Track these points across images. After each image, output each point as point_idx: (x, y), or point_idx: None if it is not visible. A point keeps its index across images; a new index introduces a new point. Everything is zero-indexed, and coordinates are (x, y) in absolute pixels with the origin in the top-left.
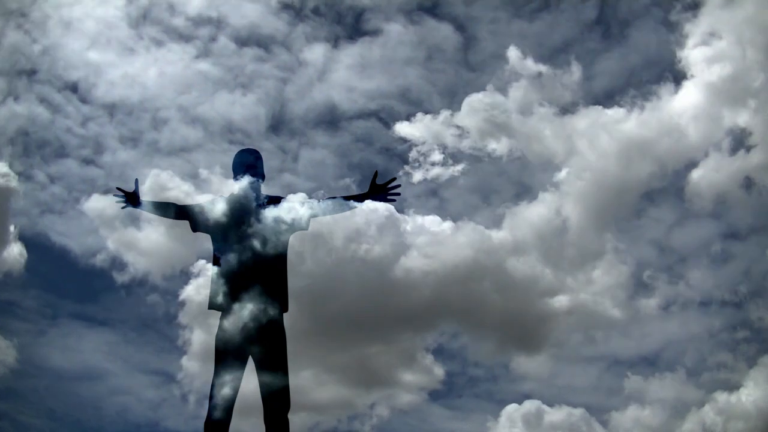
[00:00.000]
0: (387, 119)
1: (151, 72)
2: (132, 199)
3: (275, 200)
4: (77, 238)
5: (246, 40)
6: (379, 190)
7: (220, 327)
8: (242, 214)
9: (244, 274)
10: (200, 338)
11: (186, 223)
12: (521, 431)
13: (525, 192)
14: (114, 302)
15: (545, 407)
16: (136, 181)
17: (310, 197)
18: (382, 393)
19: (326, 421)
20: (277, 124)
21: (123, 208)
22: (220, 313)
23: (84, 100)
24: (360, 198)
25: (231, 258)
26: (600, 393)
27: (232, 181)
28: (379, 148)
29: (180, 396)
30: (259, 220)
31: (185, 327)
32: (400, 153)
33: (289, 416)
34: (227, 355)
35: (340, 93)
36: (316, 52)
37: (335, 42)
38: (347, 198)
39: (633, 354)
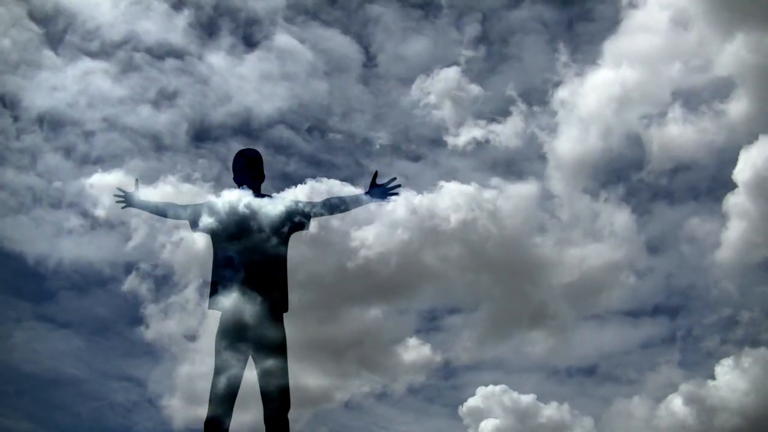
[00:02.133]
0: (298, 127)
1: (74, 89)
2: (132, 198)
3: (275, 200)
4: (28, 242)
5: (160, 55)
6: (379, 189)
7: (220, 327)
8: (242, 214)
9: (243, 274)
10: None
11: (178, 222)
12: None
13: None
14: (71, 303)
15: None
16: (136, 180)
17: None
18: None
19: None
20: (199, 135)
21: (123, 207)
22: (219, 313)
23: (13, 117)
24: (360, 197)
25: (231, 258)
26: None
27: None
28: (301, 156)
29: (148, 400)
30: (258, 220)
31: (143, 325)
32: (326, 160)
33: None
34: (227, 354)
35: (252, 103)
36: (223, 64)
37: (238, 53)
38: (347, 198)
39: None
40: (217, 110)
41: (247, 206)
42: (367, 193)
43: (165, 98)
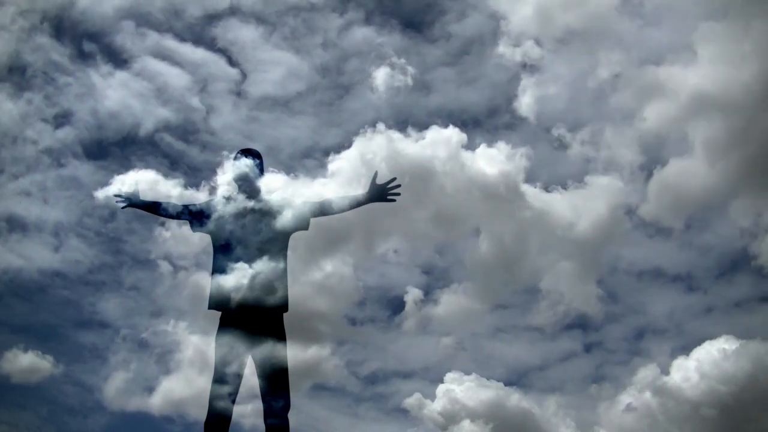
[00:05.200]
0: (183, 139)
1: None
2: (132, 198)
3: (275, 201)
4: None
5: (51, 77)
6: (379, 189)
7: (220, 327)
8: (242, 214)
9: (243, 275)
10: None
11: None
12: None
13: None
14: (17, 309)
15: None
16: (136, 181)
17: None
18: None
19: None
20: (94, 149)
21: (123, 207)
22: (219, 314)
23: None
24: (359, 197)
25: (230, 258)
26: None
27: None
28: (190, 166)
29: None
30: (258, 221)
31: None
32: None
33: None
34: (227, 355)
35: (137, 120)
36: (103, 84)
37: (111, 73)
38: (347, 198)
39: None
40: (107, 126)
41: (247, 207)
42: (366, 193)
43: (60, 116)
